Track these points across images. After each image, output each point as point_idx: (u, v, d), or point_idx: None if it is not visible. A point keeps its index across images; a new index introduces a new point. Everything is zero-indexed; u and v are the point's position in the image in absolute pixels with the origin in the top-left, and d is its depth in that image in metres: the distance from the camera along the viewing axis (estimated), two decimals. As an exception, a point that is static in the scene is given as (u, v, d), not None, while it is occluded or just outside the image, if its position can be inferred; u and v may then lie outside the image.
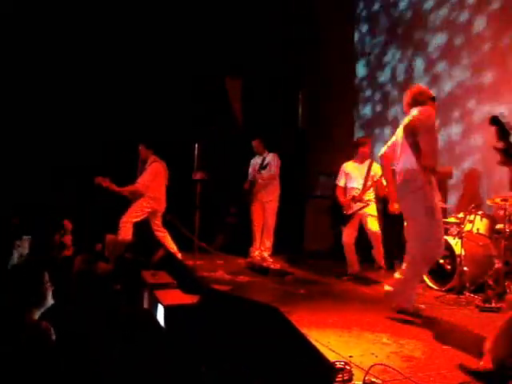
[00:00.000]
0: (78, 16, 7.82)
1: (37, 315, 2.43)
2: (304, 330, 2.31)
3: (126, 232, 6.29)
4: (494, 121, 2.89)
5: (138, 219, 6.52)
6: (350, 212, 6.36)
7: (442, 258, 5.40)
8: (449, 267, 5.46)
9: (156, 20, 8.32)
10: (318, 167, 8.80)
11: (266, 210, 7.35)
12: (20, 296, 2.40)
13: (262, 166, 7.39)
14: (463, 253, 5.27)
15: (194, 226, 6.56)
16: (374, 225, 6.36)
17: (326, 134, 8.80)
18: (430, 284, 5.57)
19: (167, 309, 2.70)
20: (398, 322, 4.21)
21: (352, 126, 8.92)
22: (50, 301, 2.52)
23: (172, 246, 6.48)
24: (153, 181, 6.60)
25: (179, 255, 6.26)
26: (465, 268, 5.25)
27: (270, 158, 7.39)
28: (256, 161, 7.55)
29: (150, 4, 8.33)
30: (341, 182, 6.56)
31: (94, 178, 6.32)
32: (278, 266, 6.90)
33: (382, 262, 6.40)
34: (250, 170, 7.59)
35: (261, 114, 8.79)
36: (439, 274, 5.49)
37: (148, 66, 8.19)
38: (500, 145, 2.74)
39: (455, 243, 5.43)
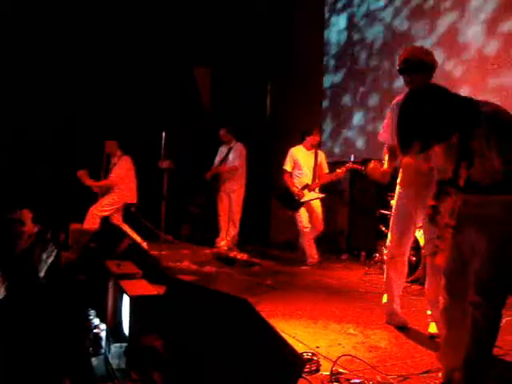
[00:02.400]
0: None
1: None
2: (271, 321, 2.28)
3: (92, 222, 6.25)
4: None
5: (107, 213, 6.52)
6: (303, 200, 6.51)
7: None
8: (414, 259, 5.52)
9: (125, 9, 8.17)
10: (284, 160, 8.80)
11: (231, 199, 7.32)
12: None
13: (225, 157, 7.35)
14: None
15: (161, 215, 6.49)
16: (319, 219, 6.68)
17: (294, 125, 8.78)
18: (395, 275, 5.64)
19: (133, 299, 2.64)
20: (364, 313, 4.25)
21: (320, 117, 8.92)
22: (2, 292, 2.42)
23: (135, 237, 6.41)
24: (126, 174, 6.65)
25: (145, 244, 6.18)
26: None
27: (235, 148, 7.34)
28: (222, 150, 7.50)
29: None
30: (288, 167, 6.70)
31: (77, 172, 6.46)
32: (244, 257, 6.88)
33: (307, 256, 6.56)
34: (217, 158, 7.52)
35: (229, 103, 8.73)
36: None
37: (116, 55, 8.04)
38: None
39: (420, 235, 5.48)
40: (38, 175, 7.17)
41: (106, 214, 6.53)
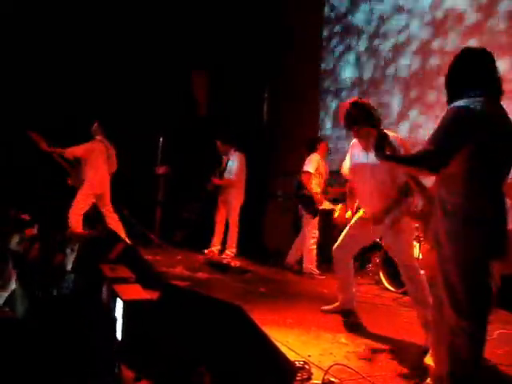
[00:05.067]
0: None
1: (2, 300, 2.37)
2: (263, 329, 2.29)
3: (76, 224, 6.22)
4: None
5: (85, 210, 6.48)
6: (321, 207, 6.42)
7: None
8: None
9: (124, 14, 8.21)
10: (280, 166, 8.82)
11: (228, 211, 7.29)
12: None
13: (222, 169, 7.31)
14: (420, 257, 5.37)
15: (155, 221, 6.48)
16: None
17: (290, 133, 8.82)
18: (388, 286, 5.66)
19: (126, 304, 2.64)
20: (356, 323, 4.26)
21: (316, 126, 8.96)
22: (13, 285, 2.47)
23: (122, 233, 6.36)
24: (83, 154, 6.53)
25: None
26: (421, 271, 5.34)
27: (233, 159, 7.32)
28: (224, 160, 7.48)
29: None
30: (312, 169, 6.40)
31: (27, 131, 6.22)
32: (237, 264, 6.87)
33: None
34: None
35: (227, 109, 8.75)
36: (397, 277, 5.56)
37: (115, 61, 8.07)
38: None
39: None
40: (38, 175, 7.14)
41: (83, 211, 6.47)
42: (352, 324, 4.15)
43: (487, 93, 2.52)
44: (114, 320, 2.57)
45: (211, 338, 2.18)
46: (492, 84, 2.55)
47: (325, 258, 6.88)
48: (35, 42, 7.55)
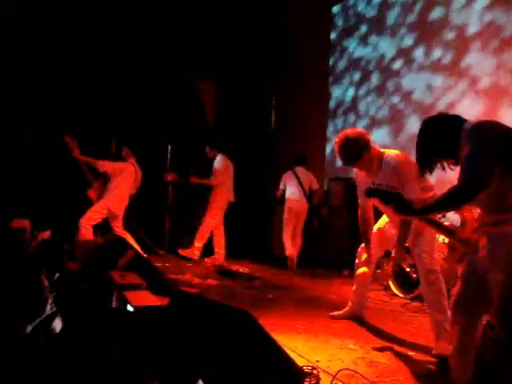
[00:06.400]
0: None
1: (31, 326, 2.16)
2: (272, 335, 2.32)
3: (86, 233, 6.27)
4: (371, 193, 2.83)
5: (95, 222, 6.52)
6: None
7: (409, 267, 5.50)
8: (414, 276, 5.54)
9: (131, 20, 8.27)
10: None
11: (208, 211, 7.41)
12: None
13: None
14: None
15: (165, 228, 6.50)
16: None
17: (298, 139, 8.84)
18: (396, 292, 5.67)
19: (137, 310, 2.68)
20: (364, 328, 4.28)
21: (324, 133, 8.98)
22: (47, 310, 2.24)
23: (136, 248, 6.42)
24: (111, 171, 6.58)
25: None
26: (441, 277, 5.34)
27: (214, 163, 7.40)
28: None
29: (128, 3, 8.30)
30: None
31: (65, 136, 6.30)
32: (246, 271, 6.91)
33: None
34: None
35: (234, 116, 8.80)
36: (405, 283, 5.58)
37: (122, 69, 8.13)
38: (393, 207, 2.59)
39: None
40: (38, 177, 7.19)
41: (93, 222, 6.49)
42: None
43: None
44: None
45: (220, 344, 2.21)
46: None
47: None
48: (38, 46, 7.54)
